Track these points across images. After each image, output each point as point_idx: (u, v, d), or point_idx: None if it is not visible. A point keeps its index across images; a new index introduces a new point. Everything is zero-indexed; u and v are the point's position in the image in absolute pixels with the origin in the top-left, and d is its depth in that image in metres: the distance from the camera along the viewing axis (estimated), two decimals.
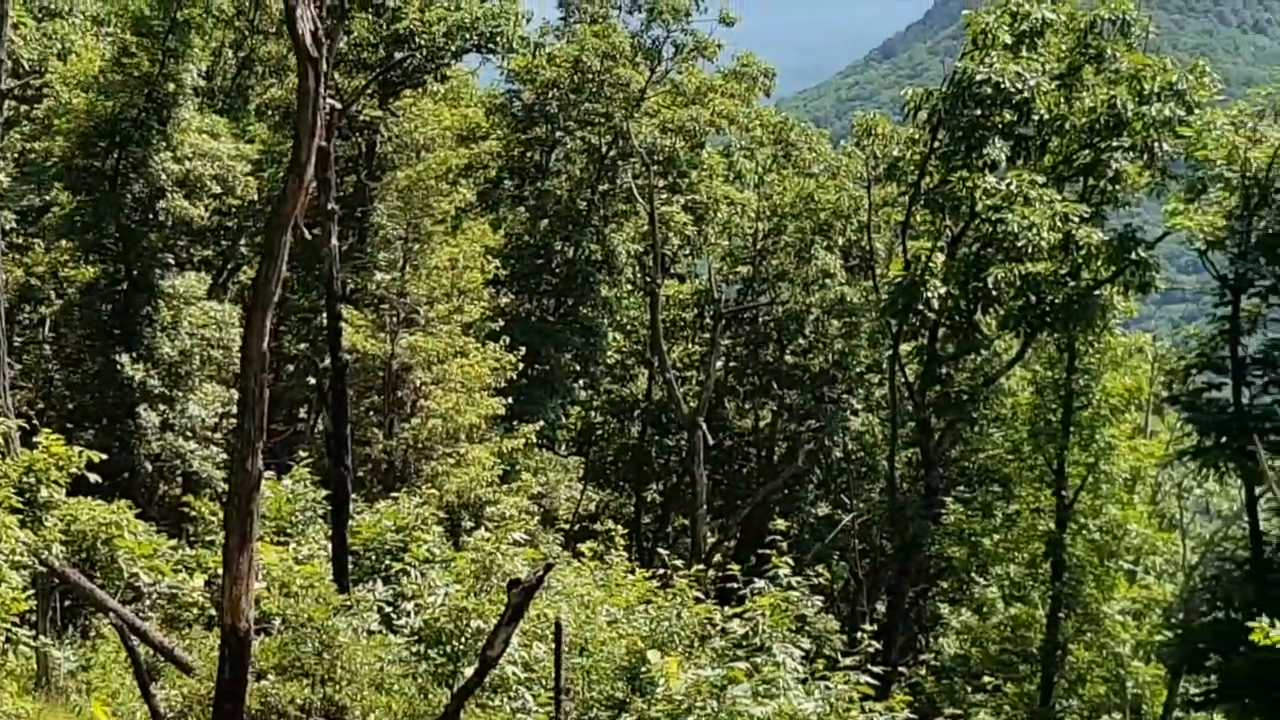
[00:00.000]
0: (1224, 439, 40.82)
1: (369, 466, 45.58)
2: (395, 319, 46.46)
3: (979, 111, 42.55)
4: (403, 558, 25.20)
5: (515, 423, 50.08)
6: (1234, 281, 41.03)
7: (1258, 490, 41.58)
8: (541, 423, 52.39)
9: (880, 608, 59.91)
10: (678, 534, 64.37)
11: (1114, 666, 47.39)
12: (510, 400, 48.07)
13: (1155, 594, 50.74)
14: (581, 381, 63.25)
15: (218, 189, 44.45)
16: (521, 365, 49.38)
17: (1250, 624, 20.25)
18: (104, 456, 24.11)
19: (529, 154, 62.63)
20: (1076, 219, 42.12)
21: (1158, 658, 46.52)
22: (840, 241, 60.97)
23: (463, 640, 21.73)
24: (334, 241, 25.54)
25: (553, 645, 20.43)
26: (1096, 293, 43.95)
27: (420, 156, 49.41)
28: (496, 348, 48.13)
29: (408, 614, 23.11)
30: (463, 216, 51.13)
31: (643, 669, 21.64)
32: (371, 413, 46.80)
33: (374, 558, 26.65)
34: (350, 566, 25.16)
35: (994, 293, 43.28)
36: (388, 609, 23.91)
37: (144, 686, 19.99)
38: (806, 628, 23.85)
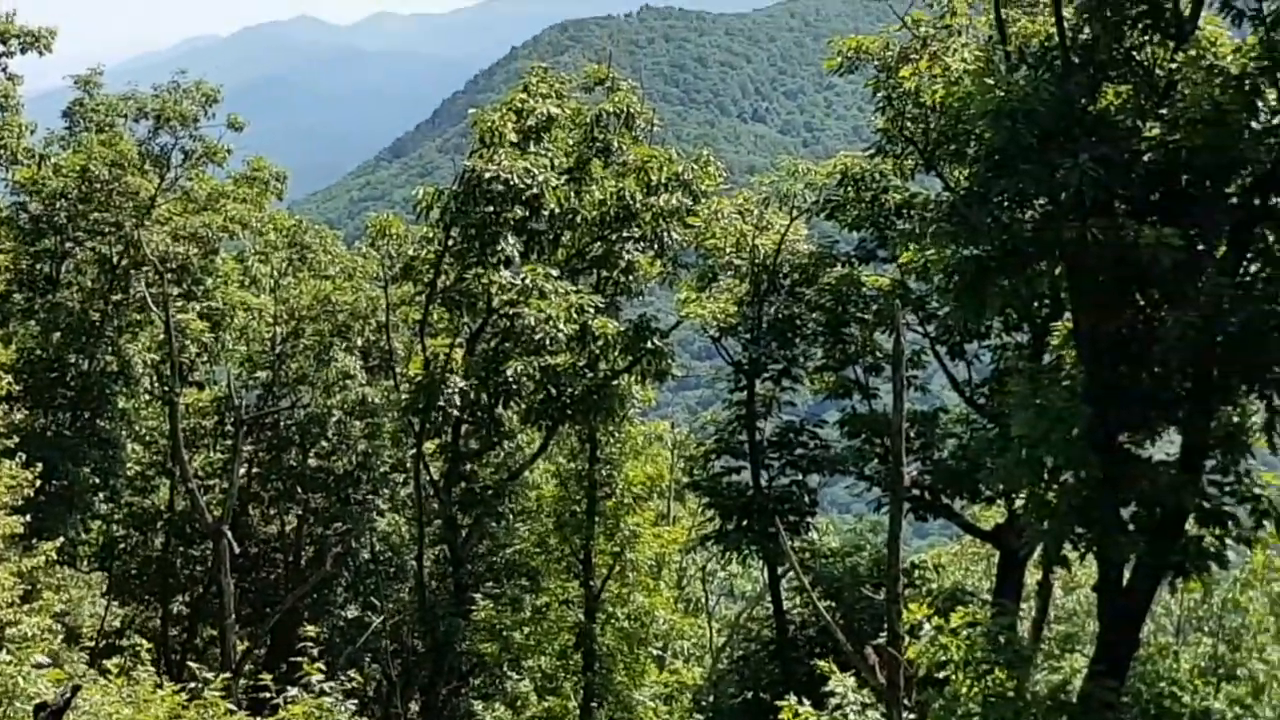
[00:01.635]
0: (745, 521, 41.70)
1: None
2: None
3: (491, 208, 42.75)
4: None
5: (34, 540, 48.24)
6: (748, 367, 42.06)
7: (780, 570, 42.60)
8: (62, 539, 50.53)
9: (414, 708, 59.51)
10: (207, 644, 62.95)
11: None
12: (28, 518, 46.30)
13: (685, 678, 51.57)
14: (101, 495, 61.45)
15: None
16: (39, 482, 47.64)
17: (779, 703, 20.62)
18: None
19: (38, 266, 60.69)
20: (592, 310, 42.68)
21: None
22: (359, 342, 60.71)
23: None
24: None
25: None
26: (615, 383, 44.56)
27: None
28: (11, 465, 46.31)
29: None
30: None
31: None
32: None
33: None
34: None
35: (514, 386, 43.47)
36: None
37: None
38: None
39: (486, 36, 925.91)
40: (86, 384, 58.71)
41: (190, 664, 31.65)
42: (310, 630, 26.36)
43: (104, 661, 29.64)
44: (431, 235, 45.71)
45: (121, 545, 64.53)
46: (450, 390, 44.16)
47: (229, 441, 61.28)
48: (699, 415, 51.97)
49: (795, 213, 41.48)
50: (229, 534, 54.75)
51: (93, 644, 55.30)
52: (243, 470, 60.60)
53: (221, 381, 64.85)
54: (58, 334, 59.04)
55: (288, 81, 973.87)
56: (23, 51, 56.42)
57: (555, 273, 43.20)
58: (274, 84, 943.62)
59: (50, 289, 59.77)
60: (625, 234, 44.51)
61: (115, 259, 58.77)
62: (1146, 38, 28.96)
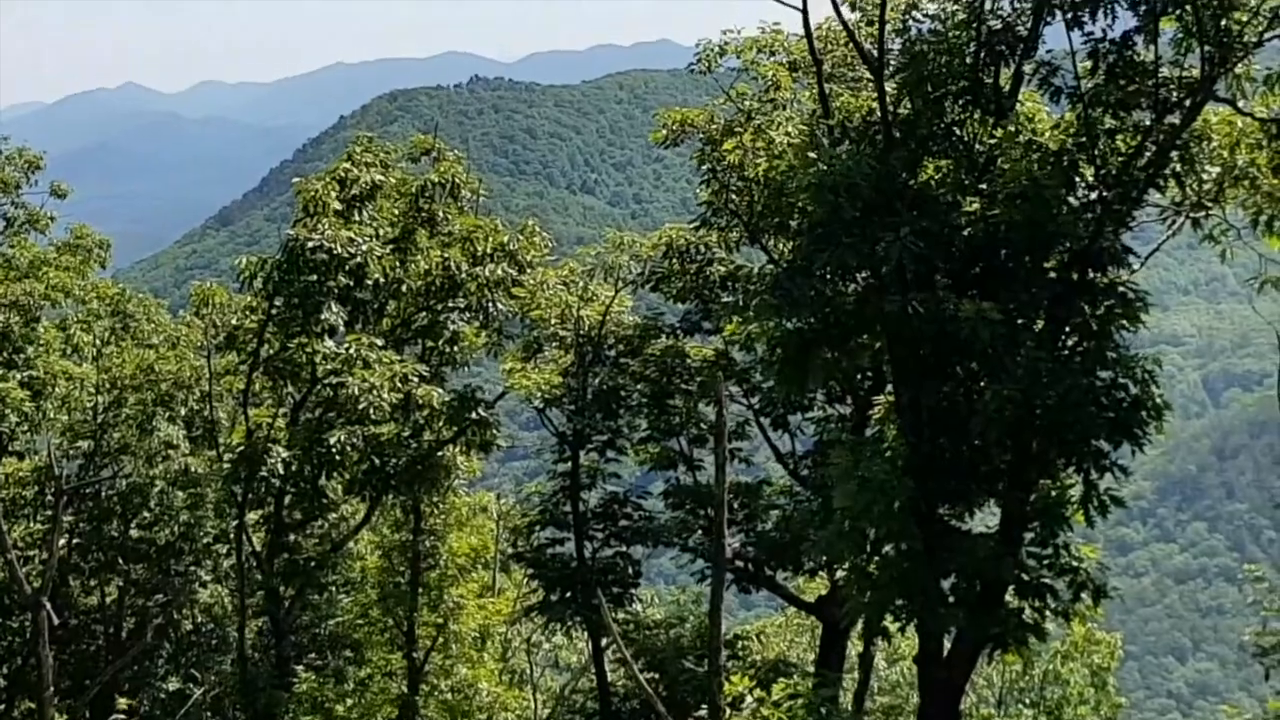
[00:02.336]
0: (568, 593, 41.59)
1: None
2: None
3: (314, 277, 42.23)
4: None
5: None
6: (572, 438, 42.01)
7: (603, 642, 42.51)
8: None
9: None
10: (25, 718, 61.78)
11: None
12: None
13: None
14: None
15: None
16: None
17: None
18: None
19: None
20: (416, 379, 42.37)
21: None
22: (183, 412, 59.91)
23: None
24: None
25: None
26: (439, 454, 44.29)
27: None
28: None
29: None
30: None
31: None
32: None
33: None
34: None
35: (338, 457, 42.99)
36: None
37: None
38: None
39: (315, 105, 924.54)
40: None
41: None
42: (122, 703, 25.89)
43: None
44: (255, 304, 45.22)
45: None
46: (273, 460, 43.65)
47: (49, 512, 60.25)
48: (525, 486, 51.81)
49: (620, 284, 41.60)
50: (48, 605, 53.75)
51: None
52: (63, 541, 59.51)
53: (42, 451, 63.79)
54: None
55: (115, 149, 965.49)
56: None
57: (380, 342, 42.88)
58: (101, 151, 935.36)
59: None
60: (450, 304, 44.36)
61: None
62: (967, 113, 29.39)
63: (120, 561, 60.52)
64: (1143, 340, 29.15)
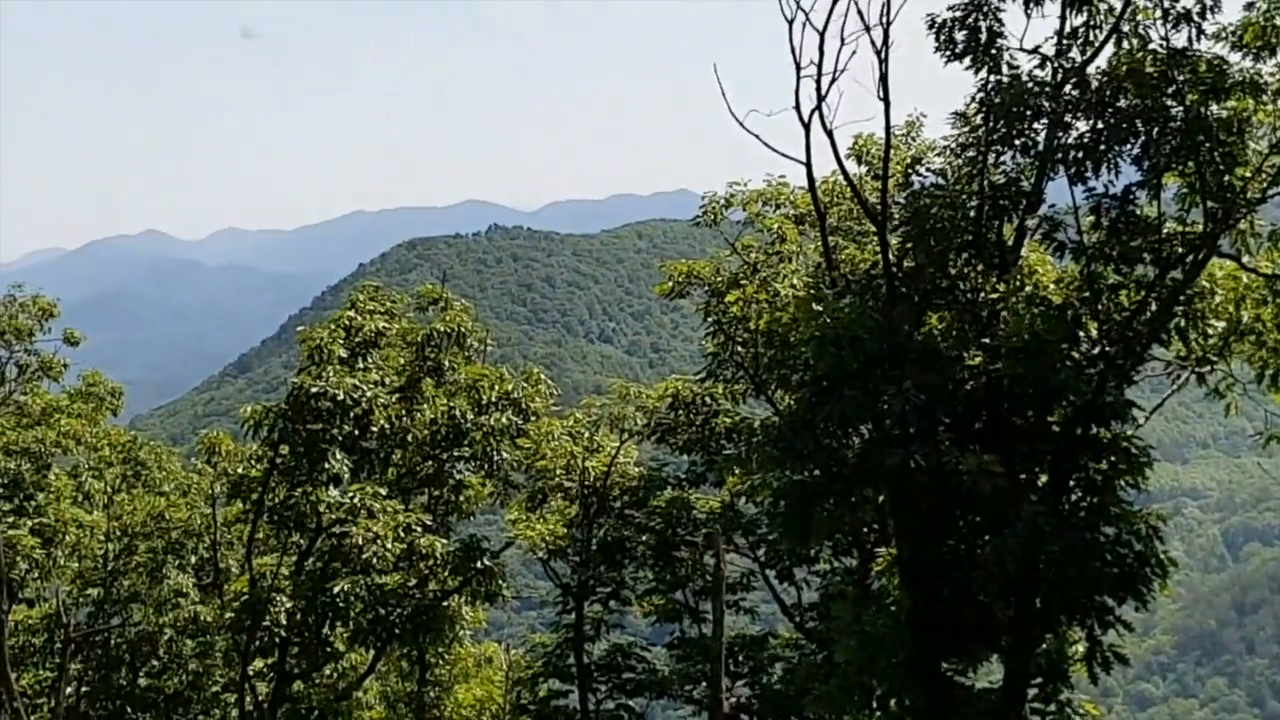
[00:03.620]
0: None
1: None
2: None
3: (319, 425, 42.21)
4: None
5: None
6: (576, 589, 41.82)
7: None
8: None
9: None
10: None
11: None
12: None
13: None
14: None
15: None
16: None
17: None
18: None
19: None
20: (419, 529, 42.17)
21: None
22: (193, 560, 59.78)
23: None
24: None
25: None
26: (444, 604, 44.02)
27: None
28: None
29: None
30: None
31: None
32: None
33: None
34: None
35: (342, 606, 42.72)
36: None
37: None
38: None
39: (334, 253, 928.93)
40: None
41: None
42: None
43: None
44: (261, 453, 45.12)
45: None
46: (276, 610, 43.40)
47: (58, 660, 59.98)
48: (533, 636, 51.53)
49: (626, 435, 41.55)
50: None
51: None
52: (71, 689, 59.20)
53: (52, 598, 63.59)
54: None
55: (135, 295, 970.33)
56: None
57: (384, 491, 42.70)
58: (121, 297, 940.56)
59: None
60: (456, 453, 44.23)
61: None
62: (971, 267, 29.38)
63: (129, 710, 60.18)
64: (1162, 493, 29.03)
